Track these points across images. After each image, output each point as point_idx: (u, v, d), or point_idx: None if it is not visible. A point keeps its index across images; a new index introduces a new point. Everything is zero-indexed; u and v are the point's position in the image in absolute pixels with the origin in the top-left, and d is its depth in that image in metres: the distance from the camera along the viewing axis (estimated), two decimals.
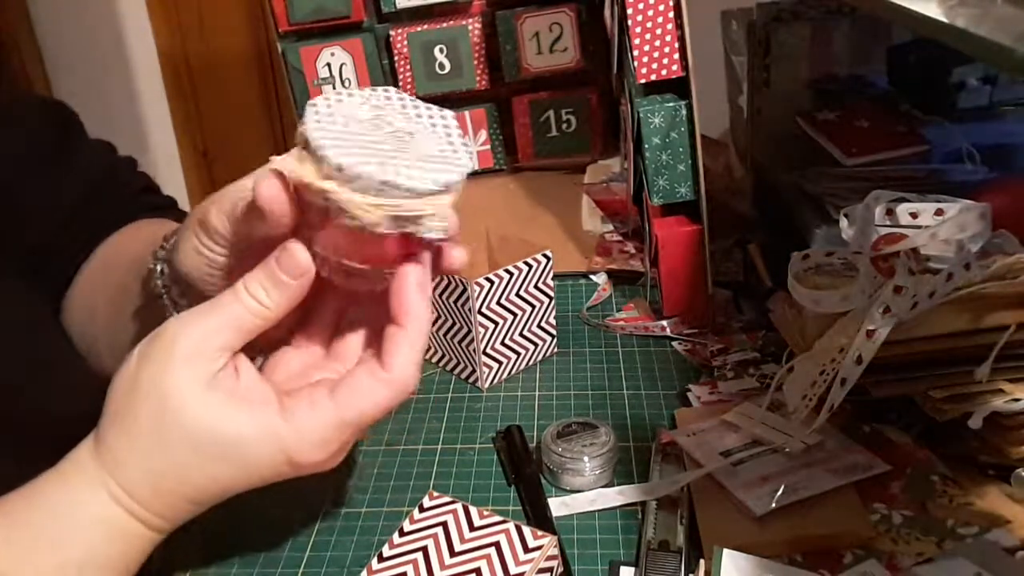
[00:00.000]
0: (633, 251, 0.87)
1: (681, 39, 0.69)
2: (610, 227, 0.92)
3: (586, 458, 0.59)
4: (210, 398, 0.44)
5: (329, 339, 0.52)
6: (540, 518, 0.56)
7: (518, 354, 0.72)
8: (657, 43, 0.70)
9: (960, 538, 0.50)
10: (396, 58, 1.00)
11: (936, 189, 0.58)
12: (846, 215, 0.58)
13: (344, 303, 0.52)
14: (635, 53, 0.70)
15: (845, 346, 0.54)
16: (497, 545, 0.48)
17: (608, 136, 1.06)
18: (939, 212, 0.54)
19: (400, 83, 1.02)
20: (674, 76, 0.71)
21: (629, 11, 0.69)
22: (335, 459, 0.47)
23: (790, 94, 0.87)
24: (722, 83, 1.02)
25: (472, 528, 0.50)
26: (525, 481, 0.59)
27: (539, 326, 0.72)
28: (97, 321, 0.63)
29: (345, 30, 0.99)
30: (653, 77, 0.71)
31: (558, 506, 0.58)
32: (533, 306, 0.70)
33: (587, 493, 0.58)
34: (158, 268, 0.53)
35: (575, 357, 0.74)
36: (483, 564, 0.47)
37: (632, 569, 0.52)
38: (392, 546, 0.49)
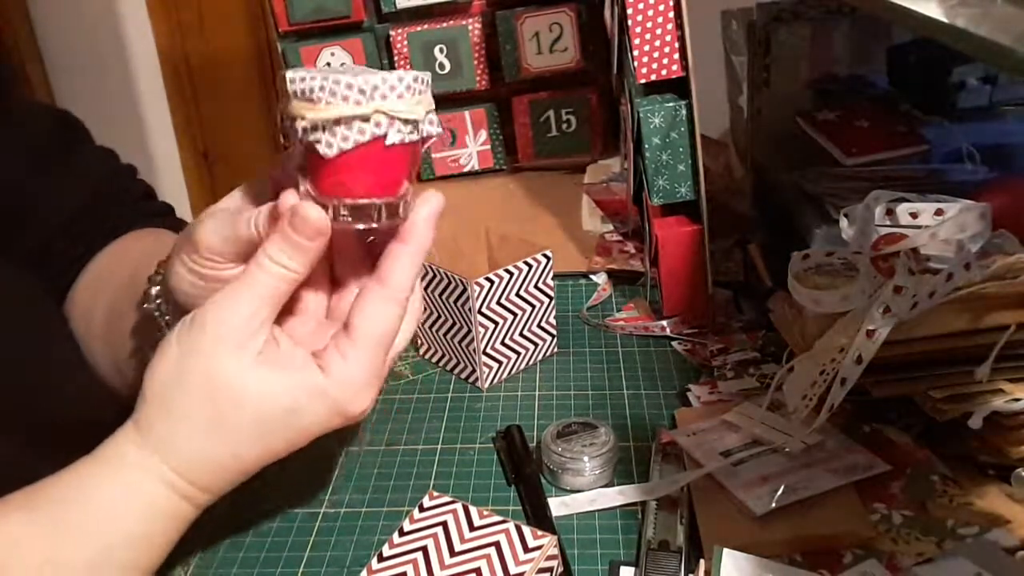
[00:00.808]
0: (633, 251, 0.87)
1: (681, 39, 0.69)
2: (610, 227, 0.92)
3: (586, 458, 0.58)
4: (261, 374, 0.46)
5: (327, 298, 0.54)
6: (540, 518, 0.56)
7: (518, 354, 0.72)
8: (657, 43, 0.70)
9: (960, 538, 0.50)
10: (396, 58, 1.00)
11: (936, 189, 0.58)
12: (846, 215, 0.58)
13: (331, 260, 0.53)
14: (635, 53, 0.70)
15: (845, 346, 0.54)
16: (497, 545, 0.48)
17: (608, 136, 1.06)
18: (939, 212, 0.54)
19: None
20: (674, 76, 0.71)
21: (629, 11, 0.69)
22: (376, 396, 0.49)
23: (790, 94, 0.87)
24: (722, 83, 1.02)
25: (472, 528, 0.50)
26: (525, 481, 0.59)
27: (539, 326, 0.72)
28: (93, 331, 0.63)
29: (345, 30, 0.99)
30: (653, 77, 0.71)
31: (558, 506, 0.58)
32: (533, 306, 0.70)
33: (587, 493, 0.58)
34: (153, 291, 0.55)
35: (575, 357, 0.74)
36: (483, 564, 0.47)
37: (632, 569, 0.52)
38: (392, 546, 0.49)
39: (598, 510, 0.57)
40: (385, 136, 0.44)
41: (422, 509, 0.51)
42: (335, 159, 0.44)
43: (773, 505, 0.52)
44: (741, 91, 0.93)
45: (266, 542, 0.57)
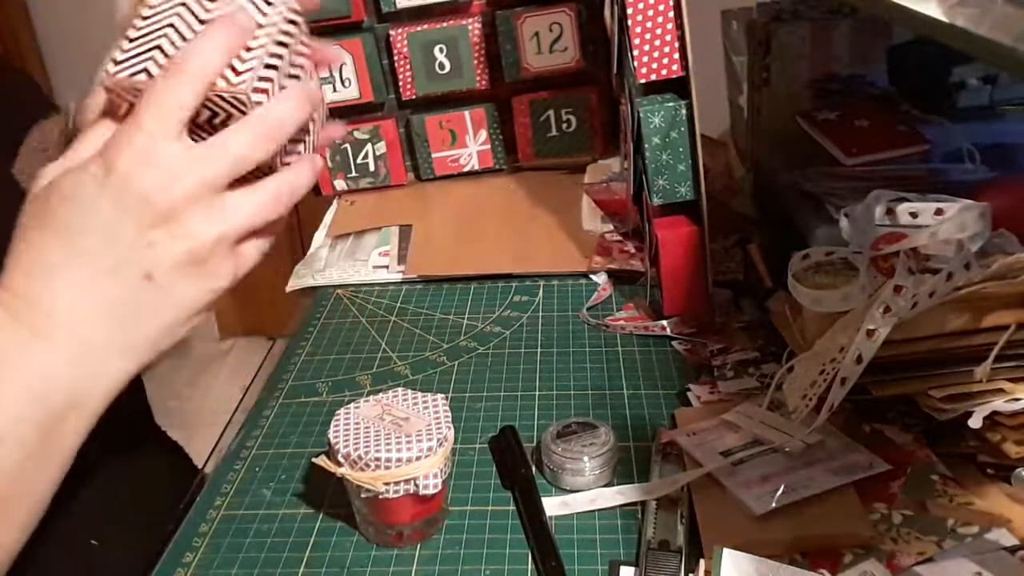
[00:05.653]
0: (633, 251, 0.87)
1: (681, 39, 0.69)
2: (610, 227, 0.92)
3: (586, 458, 0.58)
4: None
5: None
6: (535, 523, 0.56)
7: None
8: (657, 43, 0.70)
9: (960, 538, 0.50)
10: (396, 58, 1.00)
11: (936, 189, 0.58)
12: (846, 215, 0.58)
13: None
14: (635, 53, 0.70)
15: (845, 346, 0.54)
16: None
17: (608, 136, 1.06)
18: (939, 212, 0.54)
19: (400, 83, 1.02)
20: (674, 76, 0.71)
21: (629, 11, 0.69)
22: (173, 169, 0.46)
23: (790, 94, 0.87)
24: (722, 83, 1.02)
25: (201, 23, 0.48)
26: (519, 484, 0.59)
27: (291, 66, 0.51)
28: None
29: (345, 30, 0.99)
30: (653, 77, 0.71)
31: (558, 506, 0.58)
32: (280, 55, 0.50)
33: (587, 493, 0.58)
34: None
35: (575, 357, 0.74)
36: None
37: (632, 569, 0.52)
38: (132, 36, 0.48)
39: (598, 510, 0.57)
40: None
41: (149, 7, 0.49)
42: None
43: (773, 505, 0.52)
44: (741, 91, 0.93)
45: (266, 542, 0.57)
